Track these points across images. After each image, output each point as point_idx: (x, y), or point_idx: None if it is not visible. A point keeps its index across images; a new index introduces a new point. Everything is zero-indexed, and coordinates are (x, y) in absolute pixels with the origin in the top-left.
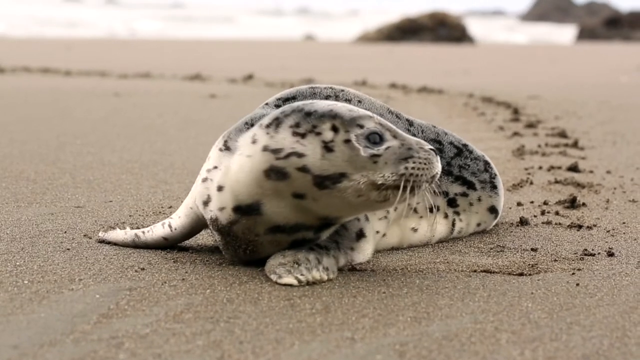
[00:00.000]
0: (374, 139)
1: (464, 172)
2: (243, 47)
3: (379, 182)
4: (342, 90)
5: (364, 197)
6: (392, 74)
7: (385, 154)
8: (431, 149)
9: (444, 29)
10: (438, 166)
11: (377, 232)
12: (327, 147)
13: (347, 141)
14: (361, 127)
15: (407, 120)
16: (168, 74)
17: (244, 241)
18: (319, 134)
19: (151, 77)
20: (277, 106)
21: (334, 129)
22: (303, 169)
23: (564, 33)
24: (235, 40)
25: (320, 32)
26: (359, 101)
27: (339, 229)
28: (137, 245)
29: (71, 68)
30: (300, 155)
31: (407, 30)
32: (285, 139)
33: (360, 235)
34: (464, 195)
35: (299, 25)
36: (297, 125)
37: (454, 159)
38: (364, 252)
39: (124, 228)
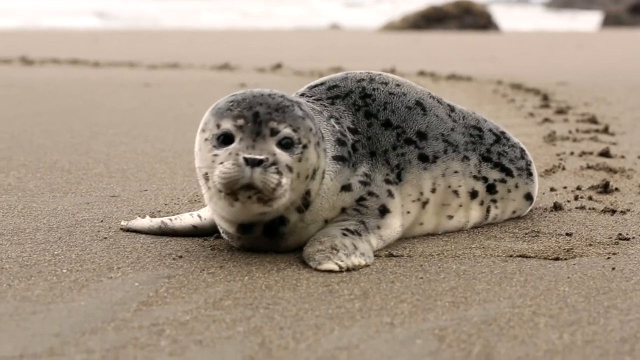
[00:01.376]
0: (225, 140)
1: (502, 159)
2: (270, 36)
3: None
4: (380, 74)
5: (217, 198)
6: (419, 61)
7: (221, 156)
8: (247, 158)
9: (469, 17)
10: (249, 176)
11: (409, 212)
12: (200, 145)
13: (206, 140)
14: (218, 127)
15: (449, 105)
16: (197, 64)
17: None
18: (203, 130)
19: (180, 67)
20: (302, 95)
21: (203, 129)
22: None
23: (589, 20)
24: (262, 30)
25: (346, 21)
26: (397, 84)
27: (360, 208)
28: (163, 232)
29: (100, 59)
30: (196, 151)
31: (432, 19)
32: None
33: (384, 211)
34: (503, 181)
35: (324, 13)
36: (204, 122)
37: (493, 145)
38: (391, 227)
39: (142, 217)
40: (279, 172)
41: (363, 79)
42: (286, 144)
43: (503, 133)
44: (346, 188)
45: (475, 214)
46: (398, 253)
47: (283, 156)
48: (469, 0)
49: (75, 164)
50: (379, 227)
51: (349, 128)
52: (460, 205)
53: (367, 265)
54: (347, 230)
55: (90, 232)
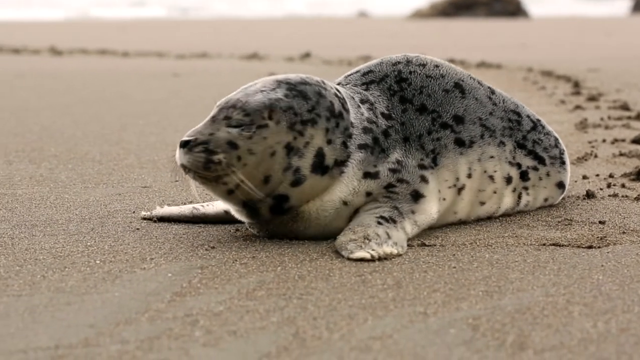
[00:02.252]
0: None
1: (536, 147)
2: (297, 24)
3: None
4: (417, 56)
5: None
6: (449, 49)
7: None
8: (182, 141)
9: (498, 4)
10: (179, 157)
11: (444, 199)
12: None
13: None
14: None
15: (489, 88)
16: (225, 53)
17: None
18: None
19: (209, 57)
20: (339, 83)
21: None
22: None
23: (620, 5)
24: (289, 18)
25: (373, 8)
26: (436, 65)
27: (391, 195)
28: (195, 217)
29: (128, 49)
30: None
31: (460, 6)
32: None
33: (417, 196)
34: (535, 169)
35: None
36: None
37: (530, 132)
38: (426, 212)
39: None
40: (208, 151)
41: (399, 62)
42: (237, 124)
43: (539, 120)
44: (371, 175)
45: (507, 200)
46: (430, 242)
47: (222, 133)
48: None
49: (106, 154)
50: (413, 212)
51: (382, 114)
52: (495, 192)
53: (399, 255)
54: (382, 217)
55: (122, 223)
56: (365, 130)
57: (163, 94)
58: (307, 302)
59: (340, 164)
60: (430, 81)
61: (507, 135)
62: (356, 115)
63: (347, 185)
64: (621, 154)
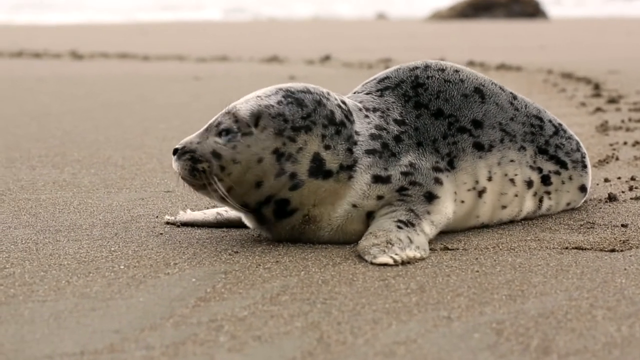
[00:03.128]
0: None
1: (558, 152)
2: (316, 27)
3: None
4: (438, 62)
5: None
6: (468, 51)
7: None
8: (174, 148)
9: (517, 5)
10: (173, 164)
11: (463, 201)
12: None
13: None
14: None
15: (511, 93)
16: (245, 56)
17: None
18: None
19: (229, 60)
20: (355, 92)
21: None
22: None
23: (638, 5)
24: (308, 20)
25: (391, 10)
26: (456, 71)
27: (404, 198)
28: (219, 222)
29: (148, 53)
30: None
31: (479, 7)
32: None
33: (431, 197)
34: (557, 173)
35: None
36: None
37: (552, 137)
38: (442, 212)
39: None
40: (194, 159)
41: (417, 67)
42: (227, 130)
43: (560, 125)
44: (380, 179)
45: (528, 203)
46: (453, 246)
47: (210, 142)
48: None
49: (129, 159)
50: (429, 213)
51: (395, 120)
52: (516, 195)
53: (422, 259)
54: (400, 221)
55: (146, 227)
56: (373, 136)
57: (184, 97)
58: (331, 307)
59: (348, 168)
60: (449, 86)
61: (528, 141)
62: (362, 124)
63: (356, 189)
64: None
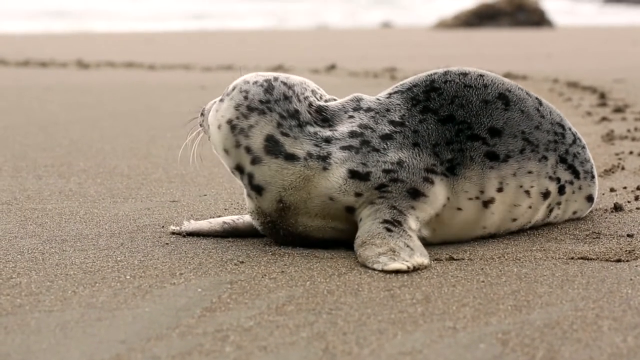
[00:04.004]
0: None
1: (575, 161)
2: (321, 36)
3: None
4: (460, 68)
5: None
6: (474, 60)
7: None
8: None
9: (522, 13)
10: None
11: (460, 209)
12: None
13: None
14: None
15: (537, 98)
16: (251, 65)
17: None
18: None
19: (234, 69)
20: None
21: None
22: None
23: None
24: (312, 29)
25: (396, 19)
26: (480, 75)
27: (385, 194)
28: (225, 231)
29: (154, 62)
30: None
31: (484, 16)
32: None
33: (416, 194)
34: (571, 183)
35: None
36: None
37: (571, 146)
38: (426, 211)
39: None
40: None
41: (436, 72)
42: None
43: (576, 133)
44: (358, 174)
45: (540, 214)
46: (459, 256)
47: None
48: None
49: (135, 169)
50: (413, 208)
51: (391, 121)
52: (530, 207)
53: (428, 265)
54: (386, 221)
55: (151, 237)
56: (353, 134)
57: (190, 106)
58: (336, 317)
59: (320, 158)
60: (468, 91)
61: (551, 150)
62: (343, 124)
63: (332, 181)
64: None
